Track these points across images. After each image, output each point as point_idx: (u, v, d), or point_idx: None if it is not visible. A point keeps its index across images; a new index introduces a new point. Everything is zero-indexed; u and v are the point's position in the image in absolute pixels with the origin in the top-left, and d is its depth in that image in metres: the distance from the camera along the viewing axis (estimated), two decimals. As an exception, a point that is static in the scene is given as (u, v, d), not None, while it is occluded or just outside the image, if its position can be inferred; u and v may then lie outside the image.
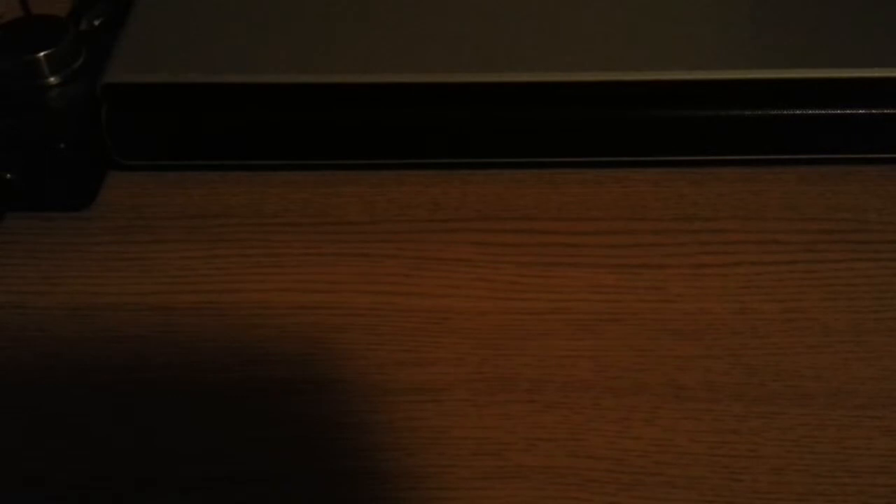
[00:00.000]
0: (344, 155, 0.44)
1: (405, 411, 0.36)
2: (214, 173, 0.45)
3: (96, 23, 0.47)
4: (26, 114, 0.42)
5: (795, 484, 0.34)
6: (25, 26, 0.45)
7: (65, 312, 0.40)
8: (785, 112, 0.42)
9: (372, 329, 0.39)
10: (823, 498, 0.34)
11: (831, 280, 0.40)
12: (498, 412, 0.36)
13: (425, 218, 0.43)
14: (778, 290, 0.40)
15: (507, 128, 0.43)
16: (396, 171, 0.45)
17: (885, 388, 0.37)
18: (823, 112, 0.42)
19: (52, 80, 0.43)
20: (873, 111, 0.42)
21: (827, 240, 0.42)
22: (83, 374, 0.38)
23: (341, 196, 0.44)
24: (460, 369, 0.37)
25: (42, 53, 0.43)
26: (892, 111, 0.42)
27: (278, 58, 0.43)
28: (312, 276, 0.41)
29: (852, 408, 0.36)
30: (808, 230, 0.42)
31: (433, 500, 0.34)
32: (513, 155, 0.44)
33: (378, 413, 0.36)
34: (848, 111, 0.42)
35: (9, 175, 0.42)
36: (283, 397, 0.37)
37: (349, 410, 0.36)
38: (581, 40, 0.43)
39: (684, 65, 0.42)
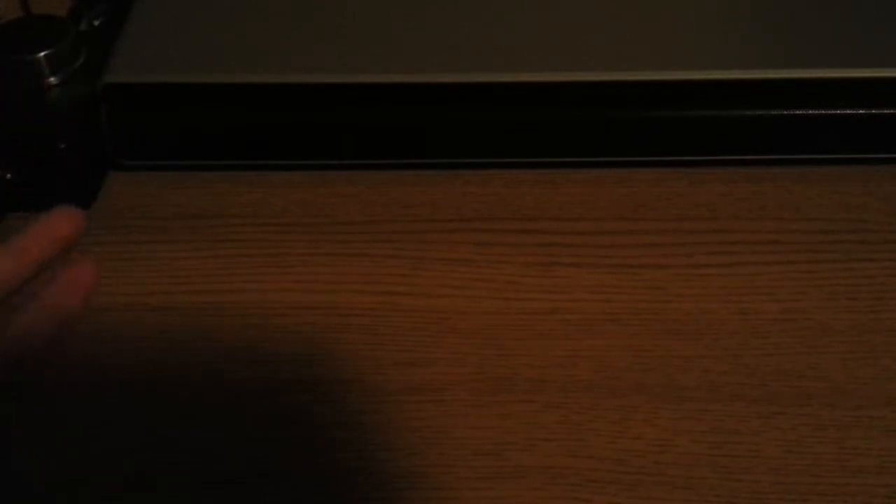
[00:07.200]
0: (343, 155, 0.44)
1: (405, 411, 0.36)
2: (214, 173, 0.45)
3: (96, 23, 0.47)
4: (26, 114, 0.42)
5: (795, 484, 0.34)
6: (25, 26, 0.45)
7: (65, 312, 0.40)
8: (785, 112, 0.42)
9: (372, 329, 0.39)
10: (823, 498, 0.33)
11: (831, 280, 0.40)
12: (498, 412, 0.36)
13: (425, 218, 0.43)
14: (778, 290, 0.40)
15: (507, 128, 0.43)
16: (396, 171, 0.45)
17: (885, 388, 0.37)
18: (823, 112, 0.42)
19: (52, 80, 0.43)
20: (873, 111, 0.42)
21: (827, 240, 0.42)
22: (82, 375, 0.38)
23: (341, 196, 0.44)
24: (460, 369, 0.37)
25: (42, 53, 0.43)
26: (892, 111, 0.42)
27: (278, 58, 0.43)
28: (312, 276, 0.41)
29: (852, 408, 0.36)
30: (808, 230, 0.42)
31: (433, 500, 0.34)
32: (513, 155, 0.44)
33: (378, 413, 0.36)
34: (848, 111, 0.42)
35: (9, 175, 0.42)
36: (284, 397, 0.37)
37: (349, 410, 0.36)
38: (581, 40, 0.43)
39: (684, 65, 0.42)
